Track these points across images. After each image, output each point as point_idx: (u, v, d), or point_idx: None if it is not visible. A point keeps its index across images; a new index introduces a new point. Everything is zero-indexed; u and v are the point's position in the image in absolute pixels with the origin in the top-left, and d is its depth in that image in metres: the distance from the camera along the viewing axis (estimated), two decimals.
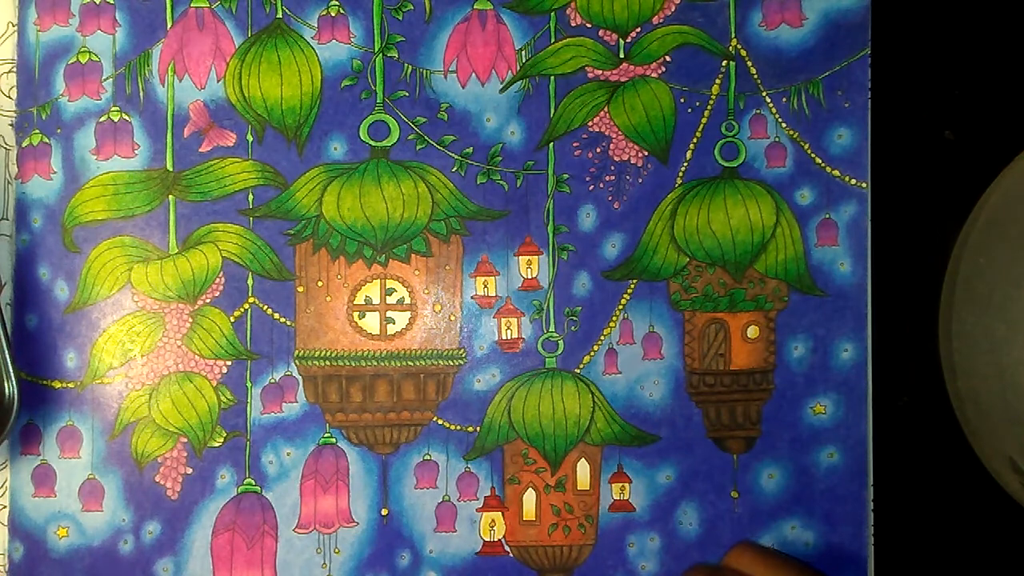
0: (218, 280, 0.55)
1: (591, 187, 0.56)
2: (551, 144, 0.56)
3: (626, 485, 0.55)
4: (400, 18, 0.56)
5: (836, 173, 0.56)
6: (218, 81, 0.55)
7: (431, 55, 0.56)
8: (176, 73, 0.55)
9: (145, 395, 0.55)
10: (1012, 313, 0.52)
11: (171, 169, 0.55)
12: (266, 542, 0.55)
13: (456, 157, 0.56)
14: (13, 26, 0.55)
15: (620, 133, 0.56)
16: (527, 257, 0.56)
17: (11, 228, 0.55)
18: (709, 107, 0.56)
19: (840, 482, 0.55)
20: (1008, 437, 0.52)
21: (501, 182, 0.56)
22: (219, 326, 0.55)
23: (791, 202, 0.56)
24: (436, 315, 0.56)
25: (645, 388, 0.56)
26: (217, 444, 0.55)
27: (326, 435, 0.55)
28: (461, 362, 0.56)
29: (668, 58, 0.56)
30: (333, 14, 0.56)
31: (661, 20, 0.56)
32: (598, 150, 0.56)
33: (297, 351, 0.55)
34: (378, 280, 0.56)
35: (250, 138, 0.55)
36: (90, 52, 0.55)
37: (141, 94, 0.55)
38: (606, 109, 0.56)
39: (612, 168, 0.56)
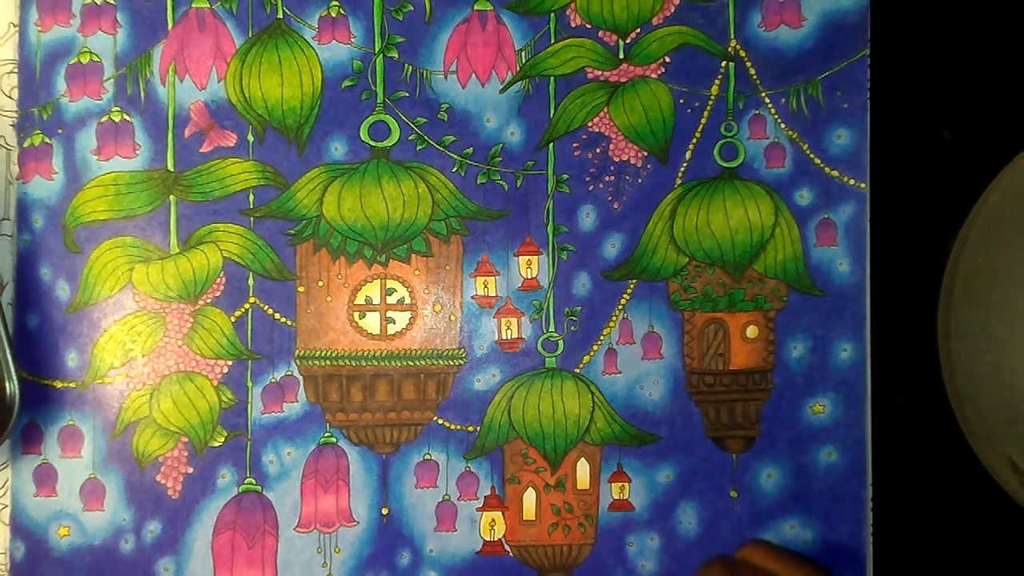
0: (219, 280, 0.55)
1: (591, 187, 0.56)
2: (551, 144, 0.56)
3: (626, 485, 0.56)
4: (400, 19, 0.56)
5: (835, 173, 0.56)
6: (219, 81, 0.55)
7: (431, 56, 0.56)
8: (177, 73, 0.56)
9: (146, 395, 0.55)
10: (1012, 313, 0.52)
11: (172, 169, 0.55)
12: (267, 541, 0.55)
13: (456, 157, 0.56)
14: (14, 27, 0.56)
15: (620, 133, 0.56)
16: (527, 257, 0.56)
17: (12, 228, 0.55)
18: (708, 107, 0.56)
19: (839, 481, 0.55)
20: (1007, 437, 0.52)
21: (501, 182, 0.56)
22: (220, 326, 0.55)
23: (790, 202, 0.56)
24: (436, 315, 0.56)
25: (645, 388, 0.56)
26: (218, 444, 0.55)
27: (327, 435, 0.55)
28: (461, 362, 0.56)
29: (668, 59, 0.56)
30: (333, 15, 0.56)
31: (661, 21, 0.56)
32: (598, 150, 0.56)
33: (298, 351, 0.55)
34: (378, 280, 0.56)
35: (251, 138, 0.55)
36: (91, 52, 0.55)
37: (142, 94, 0.55)
38: (606, 109, 0.56)
39: (612, 168, 0.56)
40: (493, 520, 0.56)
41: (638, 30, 0.56)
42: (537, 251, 0.56)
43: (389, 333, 0.56)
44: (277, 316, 0.55)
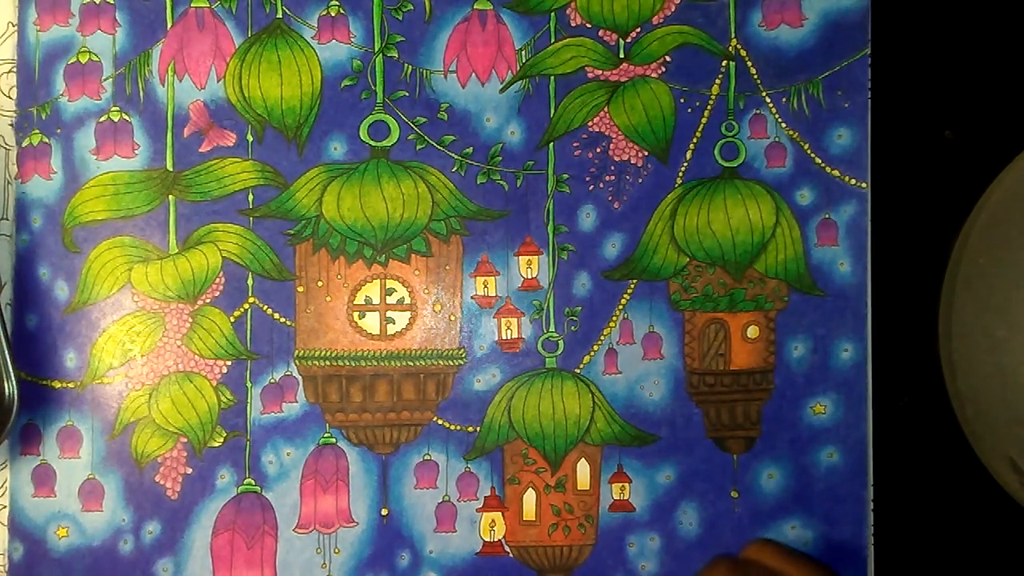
0: (218, 280, 0.55)
1: (591, 187, 0.56)
2: (551, 144, 0.56)
3: (626, 485, 0.55)
4: (400, 18, 0.56)
5: (836, 173, 0.56)
6: (218, 81, 0.55)
7: (431, 55, 0.56)
8: (176, 73, 0.55)
9: (145, 395, 0.55)
10: (1012, 313, 0.52)
11: (171, 169, 0.55)
12: (266, 542, 0.55)
13: (456, 157, 0.56)
14: (13, 26, 0.55)
15: (620, 133, 0.56)
16: (527, 257, 0.56)
17: (11, 228, 0.55)
18: (709, 107, 0.56)
19: (840, 482, 0.55)
20: (1008, 437, 0.52)
21: (501, 182, 0.56)
22: (219, 326, 0.55)
23: (791, 202, 0.56)
24: (436, 315, 0.56)
25: (645, 388, 0.56)
26: (217, 444, 0.55)
27: (326, 435, 0.55)
28: (461, 362, 0.56)
29: (668, 58, 0.56)
30: (333, 14, 0.56)
31: (661, 20, 0.56)
32: (598, 150, 0.56)
33: (297, 351, 0.55)
34: (378, 280, 0.56)
35: (250, 138, 0.55)
36: (90, 52, 0.55)
37: (141, 94, 0.55)
38: (606, 109, 0.56)
39: (612, 168, 0.56)
40: (493, 521, 0.55)
41: (638, 29, 0.56)
42: (537, 251, 0.56)
43: (389, 333, 0.56)
44: (276, 316, 0.55)
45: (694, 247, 0.56)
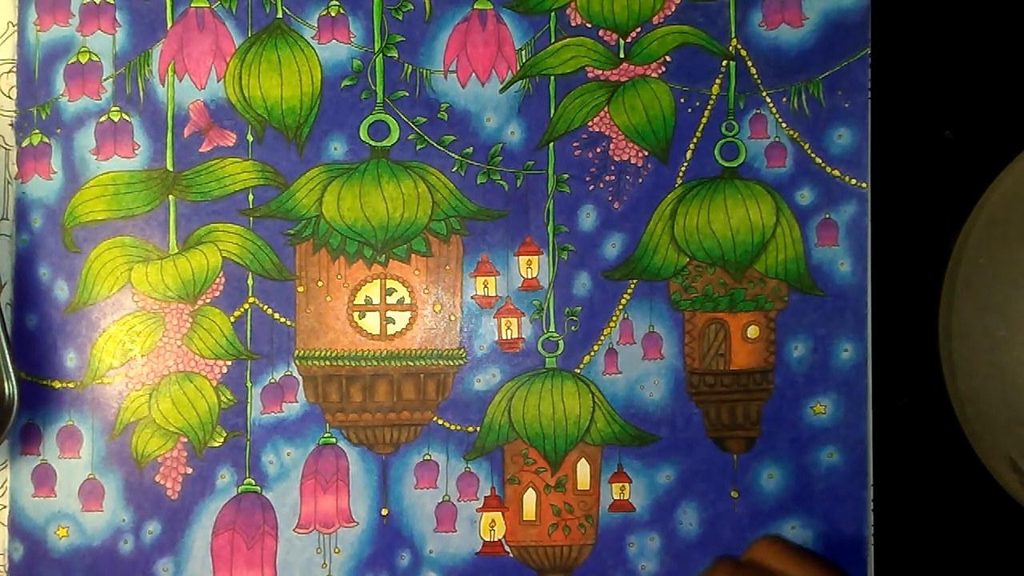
0: (218, 280, 0.55)
1: (591, 187, 0.56)
2: (551, 144, 0.56)
3: (626, 485, 0.55)
4: (400, 18, 0.56)
5: (836, 173, 0.56)
6: (218, 81, 0.55)
7: (431, 55, 0.56)
8: (176, 73, 0.55)
9: (145, 395, 0.55)
10: (1012, 313, 0.52)
11: (171, 169, 0.55)
12: (266, 542, 0.55)
13: (456, 157, 0.56)
14: (13, 26, 0.55)
15: (620, 133, 0.56)
16: (527, 257, 0.56)
17: (11, 228, 0.55)
18: (709, 107, 0.56)
19: (840, 482, 0.55)
20: (1008, 437, 0.52)
21: (501, 182, 0.56)
22: (219, 326, 0.55)
23: (791, 202, 0.56)
24: (436, 315, 0.56)
25: (645, 388, 0.56)
26: (217, 444, 0.55)
27: (326, 435, 0.55)
28: (461, 362, 0.56)
29: (668, 58, 0.56)
30: (333, 14, 0.56)
31: (661, 20, 0.56)
32: (598, 150, 0.56)
33: (297, 351, 0.55)
34: (378, 280, 0.56)
35: (250, 138, 0.55)
36: (90, 52, 0.55)
37: (141, 94, 0.55)
38: (606, 109, 0.56)
39: (612, 168, 0.56)
40: (493, 521, 0.55)
41: (638, 29, 0.56)
42: (537, 251, 0.56)
43: (389, 333, 0.56)
44: (276, 316, 0.55)
45: (694, 247, 0.56)
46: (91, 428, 0.55)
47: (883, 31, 0.56)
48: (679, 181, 0.56)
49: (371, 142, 0.56)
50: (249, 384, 0.55)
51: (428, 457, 0.55)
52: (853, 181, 0.56)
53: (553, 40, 0.56)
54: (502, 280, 0.56)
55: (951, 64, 0.56)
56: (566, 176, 0.56)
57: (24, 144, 0.55)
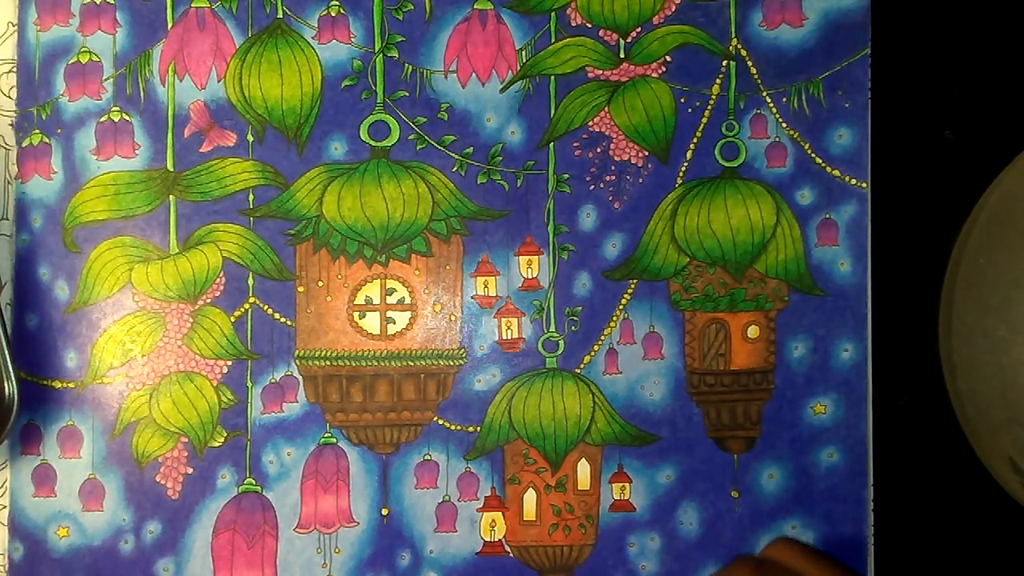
0: (219, 280, 0.55)
1: (591, 187, 0.56)
2: (551, 144, 0.56)
3: (626, 485, 0.56)
4: (400, 18, 0.56)
5: (836, 173, 0.56)
6: (218, 81, 0.55)
7: (431, 55, 0.56)
8: (176, 73, 0.55)
9: (146, 395, 0.55)
10: (1012, 313, 0.52)
11: (172, 169, 0.55)
12: (267, 542, 0.55)
13: (456, 157, 0.56)
14: (13, 26, 0.55)
15: (620, 133, 0.56)
16: (527, 257, 0.56)
17: (11, 228, 0.55)
18: (709, 107, 0.56)
19: (840, 482, 0.55)
20: (1008, 437, 0.52)
21: (501, 182, 0.56)
22: (220, 326, 0.55)
23: (791, 202, 0.56)
24: (436, 315, 0.56)
25: (645, 388, 0.56)
26: (218, 444, 0.55)
27: (326, 435, 0.55)
28: (461, 362, 0.56)
29: (668, 58, 0.56)
30: (333, 14, 0.56)
31: (661, 20, 0.56)
32: (598, 150, 0.56)
33: (297, 351, 0.55)
34: (378, 280, 0.56)
35: (250, 138, 0.55)
36: (90, 52, 0.55)
37: (142, 94, 0.55)
38: (606, 109, 0.56)
39: (612, 168, 0.56)
40: (493, 521, 0.56)
41: (639, 29, 0.56)
42: (537, 251, 0.56)
43: (389, 333, 0.56)
44: (277, 316, 0.55)
45: (694, 247, 0.56)
46: (91, 428, 0.55)
47: (883, 31, 0.56)
48: (679, 181, 0.56)
49: (371, 142, 0.56)
50: (249, 384, 0.55)
51: (428, 457, 0.55)
52: (853, 181, 0.56)
53: (553, 40, 0.56)
54: (502, 280, 0.56)
55: (951, 64, 0.56)
56: (566, 176, 0.56)
57: (24, 144, 0.55)
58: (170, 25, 0.55)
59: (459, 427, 0.55)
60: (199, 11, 0.55)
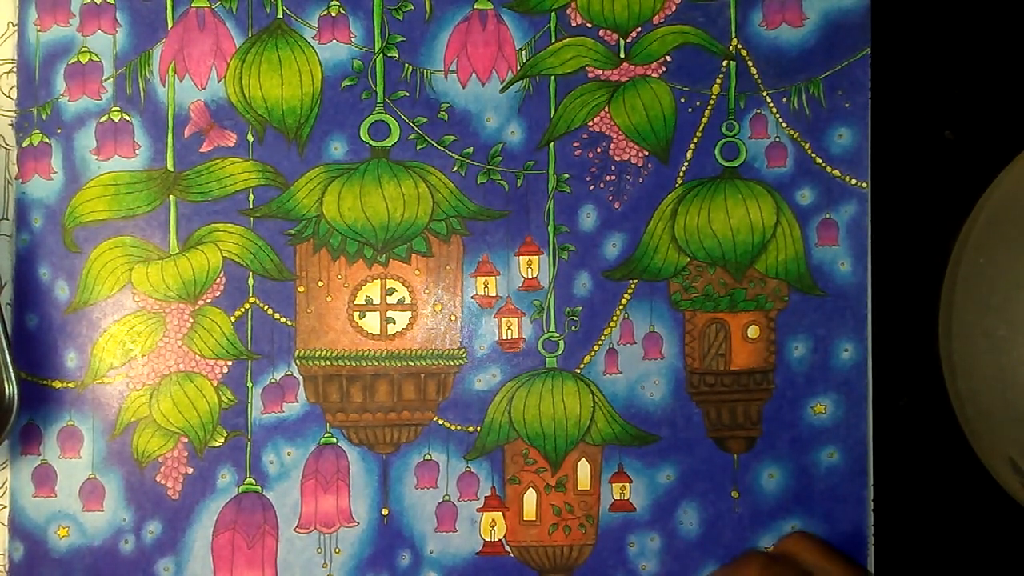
0: (219, 280, 0.55)
1: (591, 187, 0.56)
2: (551, 144, 0.56)
3: (626, 485, 0.56)
4: (400, 18, 0.56)
5: (836, 173, 0.56)
6: (219, 81, 0.55)
7: (431, 55, 0.56)
8: (177, 73, 0.55)
9: (146, 395, 0.55)
10: (1012, 313, 0.52)
11: (172, 169, 0.55)
12: (267, 542, 0.55)
13: (456, 157, 0.56)
14: (13, 26, 0.55)
15: (620, 133, 0.56)
16: (527, 257, 0.56)
17: (11, 228, 0.55)
18: (709, 107, 0.56)
19: (840, 482, 0.55)
20: (1008, 437, 0.52)
21: (501, 182, 0.56)
22: (220, 326, 0.55)
23: (791, 202, 0.56)
24: (436, 315, 0.56)
25: (645, 388, 0.56)
26: (218, 444, 0.55)
27: (327, 435, 0.55)
28: (462, 362, 0.56)
29: (668, 58, 0.56)
30: (333, 14, 0.56)
31: (661, 20, 0.56)
32: (598, 150, 0.56)
33: (298, 351, 0.55)
34: (378, 280, 0.56)
35: (250, 138, 0.55)
36: (91, 52, 0.55)
37: (142, 94, 0.55)
38: (606, 109, 0.56)
39: (612, 168, 0.56)
40: (493, 520, 0.56)
41: (639, 29, 0.56)
42: (538, 251, 0.56)
43: (389, 333, 0.56)
44: (277, 316, 0.55)
45: (694, 247, 0.56)
46: (92, 428, 0.55)
47: (883, 31, 0.56)
48: (679, 181, 0.56)
49: (371, 142, 0.56)
50: (250, 384, 0.55)
51: (428, 457, 0.55)
52: (853, 181, 0.56)
53: (553, 40, 0.56)
54: (502, 280, 0.56)
55: (951, 64, 0.56)
56: (566, 176, 0.56)
57: (24, 144, 0.55)
58: (170, 25, 0.55)
59: (459, 427, 0.55)
60: (199, 11, 0.55)
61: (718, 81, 0.56)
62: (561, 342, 0.56)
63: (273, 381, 0.55)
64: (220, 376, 0.55)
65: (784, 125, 0.56)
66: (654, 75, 0.56)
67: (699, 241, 0.56)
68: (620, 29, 0.56)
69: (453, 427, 0.55)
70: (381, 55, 0.56)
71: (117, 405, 0.55)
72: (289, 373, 0.55)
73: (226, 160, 0.55)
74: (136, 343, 0.55)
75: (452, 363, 0.56)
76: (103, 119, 0.55)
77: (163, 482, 0.55)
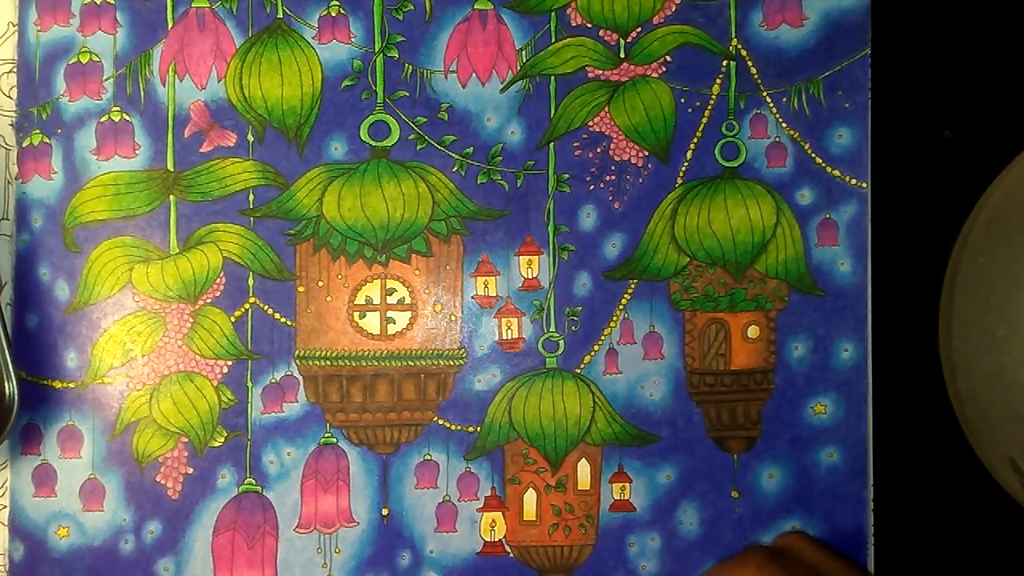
0: (219, 280, 0.55)
1: (591, 187, 0.56)
2: (551, 144, 0.56)
3: (626, 485, 0.56)
4: (400, 18, 0.56)
5: (836, 173, 0.56)
6: (219, 81, 0.55)
7: (431, 55, 0.56)
8: (177, 73, 0.55)
9: (146, 395, 0.55)
10: (1012, 313, 0.52)
11: (172, 169, 0.55)
12: (267, 542, 0.55)
13: (456, 157, 0.56)
14: (13, 26, 0.55)
15: (620, 133, 0.56)
16: (527, 257, 0.56)
17: (11, 228, 0.55)
18: (709, 107, 0.56)
19: (840, 482, 0.55)
20: (1008, 437, 0.52)
21: (501, 182, 0.56)
22: (220, 326, 0.55)
23: (791, 202, 0.56)
24: (436, 315, 0.56)
25: (645, 388, 0.56)
26: (218, 444, 0.55)
27: (327, 435, 0.55)
28: (462, 362, 0.56)
29: (668, 58, 0.56)
30: (333, 14, 0.56)
31: (661, 20, 0.56)
32: (598, 150, 0.56)
33: (298, 351, 0.55)
34: (378, 280, 0.56)
35: (251, 138, 0.55)
36: (91, 52, 0.55)
37: (142, 94, 0.55)
38: (606, 109, 0.56)
39: (612, 168, 0.56)
40: (493, 521, 0.56)
41: (639, 29, 0.56)
42: (538, 251, 0.56)
43: (389, 333, 0.56)
44: (277, 316, 0.55)
45: (694, 247, 0.56)
46: (92, 428, 0.55)
47: (883, 31, 0.56)
48: (679, 181, 0.56)
49: (371, 142, 0.56)
50: (250, 384, 0.55)
51: (428, 457, 0.55)
52: (853, 181, 0.56)
53: (553, 40, 0.56)
54: (502, 280, 0.56)
55: (951, 64, 0.56)
56: (566, 176, 0.56)
57: (24, 144, 0.55)
58: (170, 25, 0.55)
59: (459, 427, 0.55)
60: (199, 11, 0.55)
61: (718, 81, 0.56)
62: (561, 342, 0.56)
63: (273, 381, 0.55)
64: (220, 376, 0.55)
65: (784, 125, 0.56)
66: (654, 75, 0.56)
67: (699, 241, 0.56)
68: (620, 29, 0.56)
69: (453, 427, 0.55)
70: (381, 55, 0.56)
71: (117, 405, 0.55)
72: (289, 373, 0.55)
73: (226, 160, 0.55)
74: (136, 343, 0.55)
75: (452, 363, 0.56)
76: (103, 119, 0.55)
77: (163, 482, 0.55)
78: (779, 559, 0.51)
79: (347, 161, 0.55)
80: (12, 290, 0.55)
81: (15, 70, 0.55)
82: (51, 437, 0.55)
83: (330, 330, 0.55)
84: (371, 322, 0.56)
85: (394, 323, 0.56)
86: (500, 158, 0.56)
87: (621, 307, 0.56)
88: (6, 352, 0.52)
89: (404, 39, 0.56)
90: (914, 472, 0.56)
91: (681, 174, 0.56)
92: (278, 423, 0.55)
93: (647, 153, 0.56)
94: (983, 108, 0.56)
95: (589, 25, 0.56)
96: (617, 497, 0.56)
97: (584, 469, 0.56)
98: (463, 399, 0.55)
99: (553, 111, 0.56)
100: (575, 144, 0.56)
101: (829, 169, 0.56)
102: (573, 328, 0.56)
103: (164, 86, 0.55)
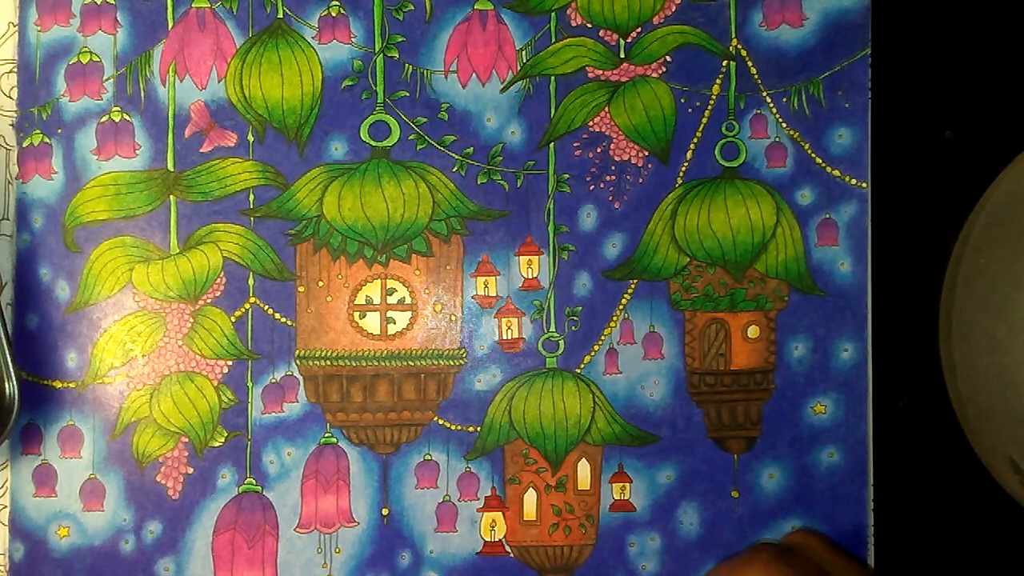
0: (219, 280, 0.55)
1: (591, 187, 0.56)
2: (551, 144, 0.56)
3: (627, 485, 0.56)
4: (401, 18, 0.56)
5: (836, 173, 0.56)
6: (219, 81, 0.55)
7: (432, 55, 0.56)
8: (177, 73, 0.55)
9: (146, 395, 0.55)
10: (1012, 313, 0.52)
11: (172, 169, 0.55)
12: (267, 542, 0.55)
13: (457, 157, 0.56)
14: (14, 26, 0.56)
15: (620, 133, 0.56)
16: (528, 257, 0.56)
17: (12, 228, 0.55)
18: (709, 107, 0.56)
19: (840, 482, 0.55)
20: (1008, 437, 0.52)
21: (501, 182, 0.56)
22: (220, 326, 0.55)
23: (791, 202, 0.56)
24: (437, 315, 0.56)
25: (645, 388, 0.56)
26: (218, 444, 0.55)
27: (327, 435, 0.55)
28: (462, 362, 0.56)
29: (668, 58, 0.56)
30: (334, 14, 0.56)
31: (661, 20, 0.56)
32: (598, 150, 0.56)
33: (298, 351, 0.55)
34: (379, 280, 0.56)
35: (251, 138, 0.55)
36: (91, 52, 0.55)
37: (142, 94, 0.55)
38: (606, 109, 0.56)
39: (612, 168, 0.56)
40: (494, 521, 0.56)
41: (639, 29, 0.56)
42: (538, 251, 0.56)
43: (389, 333, 0.56)
44: (277, 316, 0.55)
45: (695, 247, 0.56)
46: (92, 428, 0.55)
47: (883, 31, 0.56)
48: (679, 181, 0.56)
49: (371, 142, 0.56)
50: (250, 384, 0.55)
51: (428, 457, 0.55)
52: (853, 181, 0.56)
53: (553, 40, 0.56)
54: (502, 280, 0.56)
55: (951, 64, 0.56)
56: (566, 176, 0.56)
57: (25, 144, 0.55)
58: (170, 25, 0.55)
59: (459, 427, 0.55)
60: (199, 11, 0.55)
61: (718, 81, 0.56)
62: (561, 342, 0.56)
63: (273, 381, 0.55)
64: (220, 376, 0.55)
65: (784, 125, 0.56)
66: (654, 75, 0.56)
67: (699, 241, 0.56)
68: (620, 29, 0.56)
69: (453, 427, 0.55)
70: (381, 55, 0.56)
71: (117, 405, 0.55)
72: (289, 373, 0.55)
73: (226, 160, 0.55)
74: (136, 343, 0.55)
75: (452, 363, 0.56)
76: (103, 119, 0.55)
77: (163, 482, 0.55)
78: (786, 557, 0.50)
79: (347, 161, 0.56)
80: (12, 290, 0.55)
81: (15, 70, 0.55)
82: (51, 437, 0.55)
83: (330, 330, 0.55)
84: (371, 322, 0.56)
85: (394, 323, 0.56)
86: (500, 158, 0.56)
87: (621, 307, 0.56)
88: (6, 352, 0.52)
89: (404, 39, 0.56)
90: (914, 472, 0.56)
91: (681, 174, 0.56)
92: (278, 423, 0.55)
93: (647, 153, 0.56)
94: (983, 108, 0.56)
95: (589, 25, 0.56)
96: (617, 497, 0.56)
97: (584, 469, 0.56)
98: (463, 399, 0.55)
99: (553, 111, 0.56)
100: (575, 144, 0.56)
101: (829, 169, 0.56)
102: (573, 328, 0.56)
103: (164, 86, 0.55)
